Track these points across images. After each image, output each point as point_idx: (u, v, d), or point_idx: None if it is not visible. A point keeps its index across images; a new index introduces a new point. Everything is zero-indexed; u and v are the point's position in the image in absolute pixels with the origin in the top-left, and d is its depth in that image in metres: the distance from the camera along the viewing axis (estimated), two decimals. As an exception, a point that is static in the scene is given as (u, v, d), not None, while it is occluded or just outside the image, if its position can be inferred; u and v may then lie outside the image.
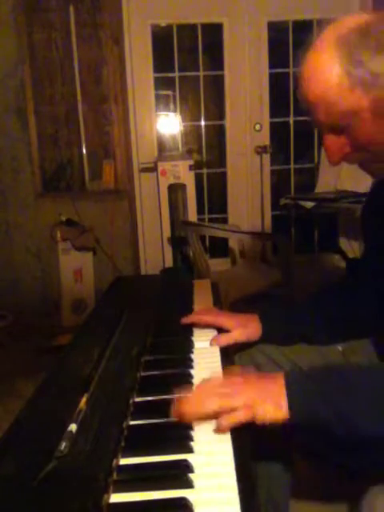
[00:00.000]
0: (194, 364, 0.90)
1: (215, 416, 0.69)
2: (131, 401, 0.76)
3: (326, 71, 0.76)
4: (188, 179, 3.15)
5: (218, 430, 0.68)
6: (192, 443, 0.65)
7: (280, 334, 1.06)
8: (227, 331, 1.03)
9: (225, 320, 1.05)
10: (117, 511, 0.55)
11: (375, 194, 1.02)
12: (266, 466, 1.05)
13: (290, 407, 0.69)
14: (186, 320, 1.07)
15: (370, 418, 0.67)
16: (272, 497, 1.05)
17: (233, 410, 0.69)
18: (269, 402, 0.70)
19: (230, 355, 1.01)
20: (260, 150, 3.40)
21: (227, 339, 1.01)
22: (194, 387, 0.77)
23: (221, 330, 1.05)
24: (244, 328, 1.03)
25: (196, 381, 0.83)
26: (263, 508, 1.04)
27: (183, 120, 3.49)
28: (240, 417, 0.68)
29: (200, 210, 3.39)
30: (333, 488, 1.48)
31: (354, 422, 0.67)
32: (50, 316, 3.19)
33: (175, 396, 0.75)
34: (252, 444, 0.71)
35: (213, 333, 1.05)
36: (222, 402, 0.69)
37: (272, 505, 1.05)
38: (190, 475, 0.59)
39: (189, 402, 0.70)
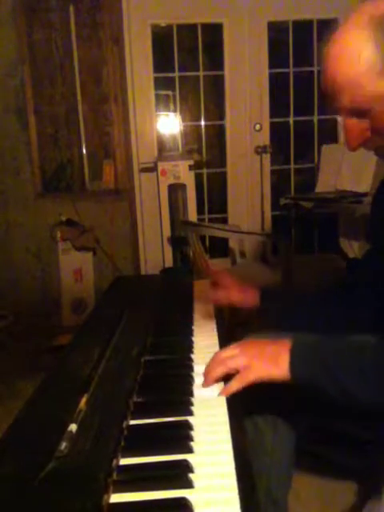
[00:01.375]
0: (194, 364, 0.90)
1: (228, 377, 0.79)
2: (131, 401, 0.76)
3: (359, 52, 0.73)
4: (188, 179, 3.15)
5: (226, 390, 0.77)
6: (192, 443, 0.65)
7: (275, 312, 1.11)
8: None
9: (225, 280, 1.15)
10: (117, 511, 0.55)
11: (382, 193, 1.01)
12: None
13: (291, 366, 0.76)
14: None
15: (369, 392, 0.73)
16: (271, 494, 1.05)
17: (237, 369, 0.78)
18: (267, 360, 0.78)
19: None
20: (260, 150, 3.40)
21: (225, 298, 1.11)
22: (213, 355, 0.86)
23: (222, 338, 1.05)
24: (245, 292, 1.12)
25: (196, 381, 0.83)
26: (262, 506, 1.04)
27: (183, 120, 3.48)
28: (238, 384, 0.77)
29: (200, 210, 3.39)
30: (333, 486, 1.48)
31: (352, 393, 0.73)
32: (50, 316, 3.19)
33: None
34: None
35: (213, 332, 1.05)
36: (227, 364, 0.80)
37: (271, 502, 1.05)
38: (190, 475, 0.59)
39: (206, 370, 0.83)
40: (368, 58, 0.72)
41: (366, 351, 0.77)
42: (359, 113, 0.77)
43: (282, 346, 0.79)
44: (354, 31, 0.74)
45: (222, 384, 0.81)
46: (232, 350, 0.83)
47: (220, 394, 0.77)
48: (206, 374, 0.82)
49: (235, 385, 0.77)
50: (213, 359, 0.84)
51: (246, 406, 0.91)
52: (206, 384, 0.80)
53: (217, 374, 0.80)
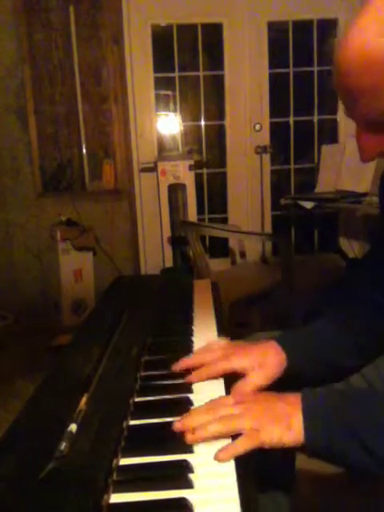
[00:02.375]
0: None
1: (221, 437, 0.64)
2: (131, 401, 0.76)
3: (378, 57, 0.59)
4: (188, 179, 3.16)
5: (218, 459, 0.60)
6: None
7: (306, 362, 0.87)
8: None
9: (237, 362, 0.81)
10: (117, 511, 0.55)
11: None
12: (267, 494, 1.01)
13: (305, 431, 0.63)
14: (186, 362, 0.83)
15: None
16: (272, 493, 1.04)
17: (237, 432, 0.63)
18: (277, 423, 0.64)
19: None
20: (260, 150, 3.40)
21: (244, 387, 0.78)
22: (196, 408, 0.70)
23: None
24: (261, 367, 0.81)
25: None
26: (263, 505, 1.03)
27: (183, 120, 3.49)
28: (244, 445, 0.62)
29: (200, 210, 3.39)
30: (333, 486, 1.48)
31: (378, 449, 0.61)
32: (50, 316, 3.19)
33: (174, 419, 0.68)
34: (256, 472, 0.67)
35: (213, 332, 1.04)
36: (225, 425, 0.64)
37: (272, 501, 1.05)
38: (190, 475, 0.59)
39: (189, 425, 0.64)
40: None
41: None
42: (376, 125, 0.67)
43: (294, 405, 0.66)
44: (371, 31, 0.60)
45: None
46: (234, 407, 0.67)
47: (219, 458, 0.61)
48: (193, 427, 0.64)
49: (242, 446, 0.62)
50: (207, 410, 0.67)
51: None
52: (191, 440, 0.63)
53: (210, 434, 0.64)
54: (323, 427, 0.64)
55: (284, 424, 0.64)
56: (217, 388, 0.80)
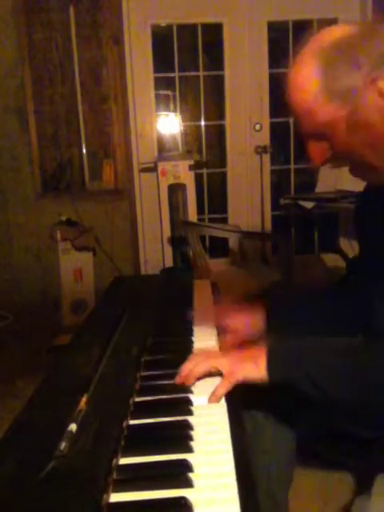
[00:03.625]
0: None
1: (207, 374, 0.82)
2: (131, 401, 0.76)
3: (305, 83, 0.79)
4: (188, 179, 3.15)
5: (214, 396, 0.77)
6: (192, 443, 0.65)
7: (283, 328, 1.09)
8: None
9: (230, 320, 1.10)
10: (117, 511, 0.55)
11: (369, 194, 1.02)
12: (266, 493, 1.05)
13: (268, 368, 0.79)
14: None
15: (338, 385, 0.76)
16: (271, 493, 1.05)
17: (219, 370, 0.81)
18: (247, 362, 0.81)
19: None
20: (260, 150, 3.40)
21: (235, 340, 1.07)
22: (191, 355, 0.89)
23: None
24: (250, 325, 1.09)
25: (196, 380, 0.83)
26: (262, 504, 1.03)
27: (183, 120, 3.49)
28: (224, 386, 0.78)
29: (200, 210, 3.39)
30: (333, 483, 1.48)
31: (323, 386, 0.76)
32: (49, 316, 3.19)
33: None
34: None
35: (213, 333, 1.05)
36: (209, 362, 0.82)
37: (271, 501, 1.05)
38: (190, 475, 0.59)
39: (185, 367, 0.82)
40: (313, 88, 0.78)
41: (349, 354, 0.80)
42: (316, 136, 0.82)
43: (261, 349, 0.83)
44: (301, 62, 0.80)
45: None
46: (212, 353, 0.89)
47: (210, 401, 0.78)
48: (186, 372, 0.82)
49: (221, 389, 0.78)
50: (191, 359, 0.85)
51: (245, 403, 0.92)
52: (187, 382, 0.81)
53: (200, 372, 0.82)
54: (282, 366, 0.80)
55: (253, 363, 0.81)
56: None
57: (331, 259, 3.41)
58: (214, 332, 1.05)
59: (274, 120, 3.44)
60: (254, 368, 0.80)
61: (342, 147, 0.81)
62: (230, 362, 0.82)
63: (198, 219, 3.29)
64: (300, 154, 3.56)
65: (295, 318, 1.10)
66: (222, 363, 0.82)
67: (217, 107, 3.50)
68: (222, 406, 0.75)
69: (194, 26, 3.33)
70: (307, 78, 0.79)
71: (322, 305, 1.10)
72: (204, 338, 1.02)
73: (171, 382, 0.82)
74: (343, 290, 1.11)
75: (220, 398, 0.78)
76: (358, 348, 0.88)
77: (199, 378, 0.82)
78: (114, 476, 0.59)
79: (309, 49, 0.80)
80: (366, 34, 0.77)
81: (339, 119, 0.78)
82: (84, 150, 3.20)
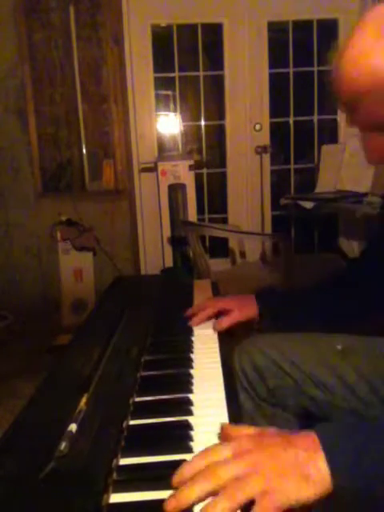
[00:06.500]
0: (194, 364, 0.90)
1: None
2: (131, 401, 0.76)
3: (380, 59, 0.63)
4: (188, 179, 3.15)
5: None
6: (192, 443, 0.65)
7: (275, 314, 1.12)
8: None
9: (224, 303, 1.12)
10: (117, 511, 0.55)
11: None
12: None
13: (333, 471, 0.50)
14: (188, 313, 1.12)
15: None
16: None
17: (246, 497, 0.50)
18: (291, 476, 0.51)
19: (229, 353, 1.01)
20: (260, 150, 3.40)
21: (229, 320, 1.07)
22: (188, 464, 0.56)
23: (222, 337, 1.05)
24: (243, 307, 1.10)
25: (196, 381, 0.83)
26: None
27: (183, 120, 3.49)
28: None
29: (200, 210, 3.39)
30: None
31: None
32: (50, 316, 3.19)
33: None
34: None
35: (213, 332, 1.05)
36: (232, 500, 0.50)
37: None
38: (190, 475, 0.59)
39: (187, 498, 0.52)
40: None
41: None
42: (380, 127, 0.68)
43: (309, 449, 0.53)
44: (373, 36, 0.63)
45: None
46: (235, 465, 0.53)
47: None
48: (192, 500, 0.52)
49: None
50: (204, 476, 0.53)
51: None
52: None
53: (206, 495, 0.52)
54: (355, 466, 0.51)
55: (299, 475, 0.51)
56: (216, 388, 0.81)
57: (331, 259, 3.41)
58: (214, 332, 1.05)
59: (274, 120, 3.44)
60: (304, 483, 0.51)
61: None
62: (263, 479, 0.51)
63: (198, 219, 3.29)
64: (300, 154, 3.57)
65: (288, 305, 1.12)
66: (253, 486, 0.51)
67: (217, 107, 3.50)
68: (222, 407, 0.75)
69: (193, 26, 3.32)
70: (380, 55, 0.62)
71: (316, 295, 1.12)
72: (204, 338, 1.02)
73: (171, 381, 0.82)
74: (339, 284, 1.12)
75: None
76: None
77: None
78: (114, 476, 0.59)
79: (374, 23, 0.64)
80: None
81: None
82: (84, 150, 3.20)
